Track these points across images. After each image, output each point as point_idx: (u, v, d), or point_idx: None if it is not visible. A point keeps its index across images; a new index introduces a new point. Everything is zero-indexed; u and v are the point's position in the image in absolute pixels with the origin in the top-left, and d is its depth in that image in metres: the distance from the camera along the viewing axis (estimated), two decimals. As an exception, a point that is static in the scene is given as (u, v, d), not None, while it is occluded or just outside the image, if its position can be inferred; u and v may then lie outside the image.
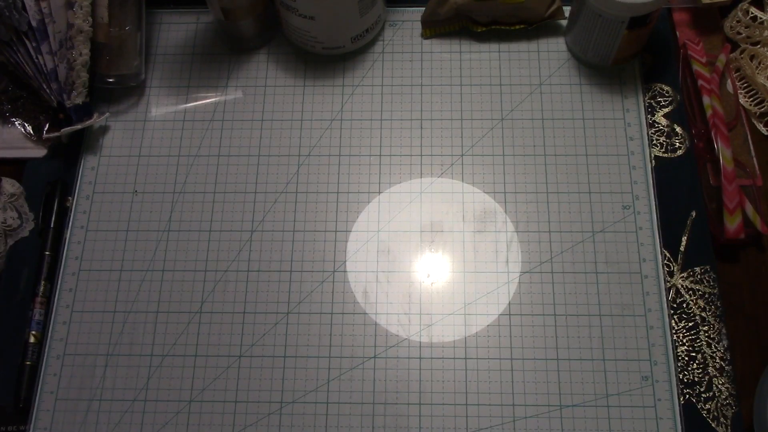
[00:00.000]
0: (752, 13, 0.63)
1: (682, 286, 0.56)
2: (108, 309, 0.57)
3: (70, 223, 0.60)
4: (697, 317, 0.55)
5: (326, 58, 0.65)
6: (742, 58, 0.63)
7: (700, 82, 0.61)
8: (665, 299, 0.56)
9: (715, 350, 0.54)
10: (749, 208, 0.57)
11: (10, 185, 0.60)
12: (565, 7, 0.64)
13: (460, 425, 0.53)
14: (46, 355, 0.56)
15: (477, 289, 0.56)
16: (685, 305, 0.56)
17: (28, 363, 0.55)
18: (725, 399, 0.53)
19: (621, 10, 0.56)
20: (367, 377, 0.54)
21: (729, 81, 0.63)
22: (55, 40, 0.59)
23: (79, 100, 0.60)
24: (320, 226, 0.59)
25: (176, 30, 0.67)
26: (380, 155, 0.61)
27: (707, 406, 0.53)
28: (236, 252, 0.58)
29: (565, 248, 0.57)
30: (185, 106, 0.64)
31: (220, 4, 0.60)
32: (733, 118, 0.61)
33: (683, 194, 0.59)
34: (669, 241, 0.57)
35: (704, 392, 0.53)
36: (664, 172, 0.60)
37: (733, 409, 0.53)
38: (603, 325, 0.55)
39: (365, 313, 0.56)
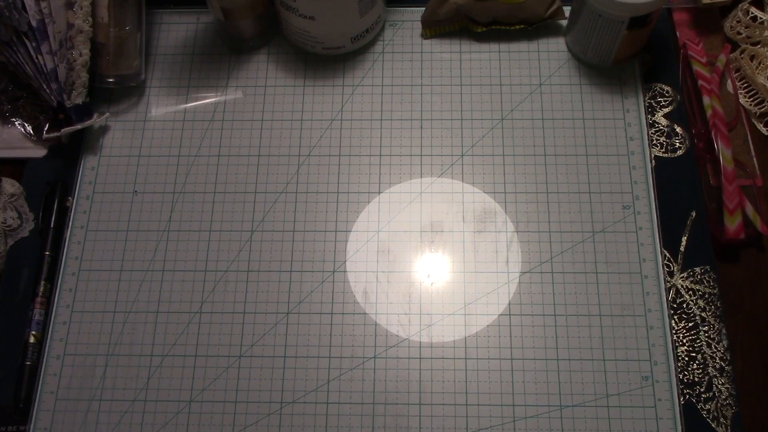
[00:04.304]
0: (752, 13, 0.63)
1: (682, 286, 0.56)
2: (108, 309, 0.57)
3: (70, 223, 0.60)
4: (697, 317, 0.55)
5: (326, 58, 0.65)
6: (742, 58, 0.63)
7: (700, 82, 0.61)
8: (665, 299, 0.56)
9: (715, 350, 0.54)
10: (749, 208, 0.57)
11: (10, 185, 0.60)
12: (565, 7, 0.64)
13: (460, 425, 0.53)
14: (46, 355, 0.56)
15: (477, 289, 0.56)
16: (685, 305, 0.56)
17: (28, 363, 0.55)
18: (725, 399, 0.53)
19: (621, 10, 0.56)
20: (367, 377, 0.54)
21: (729, 81, 0.63)
22: (55, 40, 0.59)
23: (79, 100, 0.60)
24: (320, 226, 0.59)
25: (176, 30, 0.67)
26: (380, 155, 0.61)
27: (707, 406, 0.53)
28: (236, 252, 0.58)
29: (565, 248, 0.57)
30: (185, 106, 0.64)
31: (220, 4, 0.60)
32: (733, 118, 0.61)
33: (683, 194, 0.59)
34: (669, 241, 0.57)
35: (704, 392, 0.53)
36: (664, 172, 0.60)
37: (733, 409, 0.53)
38: (603, 325, 0.55)
39: (365, 313, 0.56)
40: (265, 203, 0.60)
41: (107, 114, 0.63)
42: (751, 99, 0.63)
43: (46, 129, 0.62)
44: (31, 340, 0.56)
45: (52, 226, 0.59)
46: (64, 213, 0.60)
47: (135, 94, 0.65)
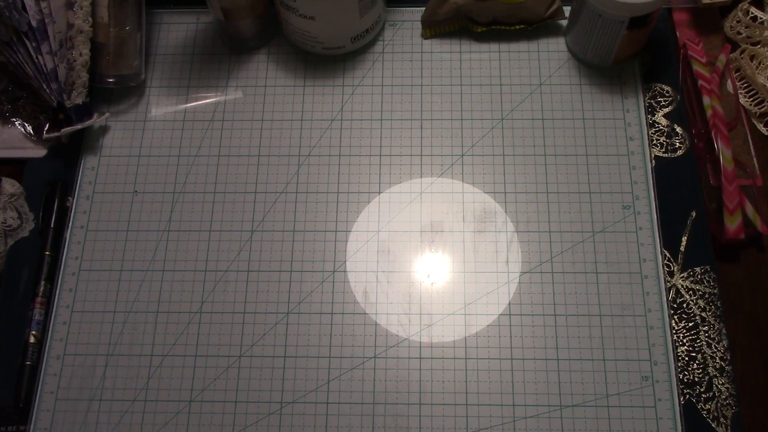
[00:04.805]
0: (752, 13, 0.63)
1: (682, 286, 0.56)
2: (108, 309, 0.57)
3: (70, 223, 0.60)
4: (697, 317, 0.55)
5: (326, 58, 0.65)
6: (742, 58, 0.63)
7: (700, 82, 0.61)
8: (665, 299, 0.56)
9: (715, 350, 0.54)
10: (749, 208, 0.57)
11: (10, 185, 0.60)
12: (565, 7, 0.64)
13: (460, 425, 0.53)
14: (46, 355, 0.56)
15: (477, 289, 0.56)
16: (685, 305, 0.56)
17: (28, 363, 0.55)
18: (725, 399, 0.53)
19: (621, 10, 0.56)
20: (367, 377, 0.54)
21: (729, 81, 0.63)
22: (55, 40, 0.59)
23: (79, 100, 0.60)
24: (320, 226, 0.59)
25: (176, 30, 0.67)
26: (380, 155, 0.61)
27: (707, 406, 0.53)
28: (236, 252, 0.58)
29: (565, 248, 0.57)
30: (185, 106, 0.64)
31: (220, 4, 0.60)
32: (733, 118, 0.61)
33: (683, 194, 0.59)
34: (669, 241, 0.57)
35: (704, 392, 0.53)
36: (664, 172, 0.60)
37: (733, 409, 0.53)
38: (603, 325, 0.55)
39: (365, 313, 0.56)
40: (265, 203, 0.60)
41: (107, 114, 0.63)
42: (751, 99, 0.63)
43: (46, 129, 0.62)
44: (31, 340, 0.56)
45: (52, 226, 0.59)
46: (64, 213, 0.60)
47: (135, 94, 0.65)
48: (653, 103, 0.62)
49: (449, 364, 0.54)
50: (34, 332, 0.56)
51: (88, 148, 0.63)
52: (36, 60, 0.60)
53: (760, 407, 0.53)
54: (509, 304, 0.56)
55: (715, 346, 0.54)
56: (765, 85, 0.61)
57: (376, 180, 0.60)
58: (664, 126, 0.61)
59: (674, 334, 0.55)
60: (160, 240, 0.59)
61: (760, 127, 0.62)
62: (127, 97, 0.64)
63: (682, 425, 0.52)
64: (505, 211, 0.59)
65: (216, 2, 0.60)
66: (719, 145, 0.58)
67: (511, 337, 0.55)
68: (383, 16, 0.65)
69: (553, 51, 0.64)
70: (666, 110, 0.62)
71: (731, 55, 0.64)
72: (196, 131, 0.63)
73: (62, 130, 0.60)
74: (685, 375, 0.53)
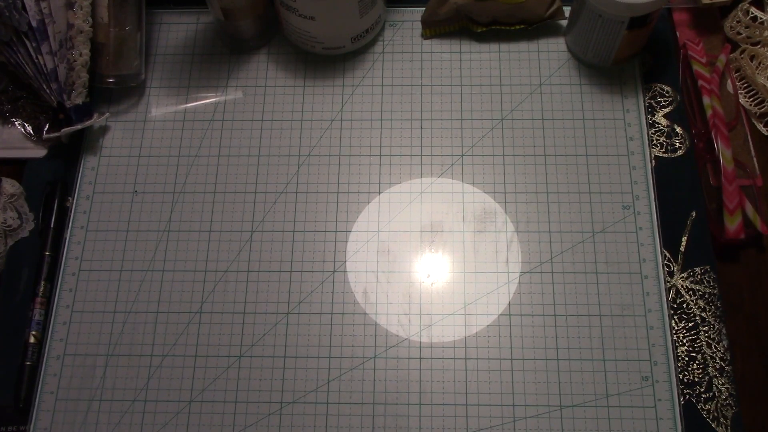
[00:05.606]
0: (752, 13, 0.63)
1: (682, 286, 0.56)
2: (108, 309, 0.57)
3: (70, 223, 0.60)
4: (697, 317, 0.55)
5: (326, 58, 0.65)
6: (742, 58, 0.63)
7: (700, 82, 0.61)
8: (665, 299, 0.56)
9: (715, 350, 0.54)
10: (749, 208, 0.57)
11: (10, 185, 0.60)
12: (565, 7, 0.64)
13: (460, 425, 0.53)
14: (46, 355, 0.56)
15: (477, 289, 0.56)
16: (685, 305, 0.56)
17: (28, 363, 0.55)
18: (725, 399, 0.53)
19: (621, 10, 0.56)
20: (367, 377, 0.54)
21: (729, 81, 0.63)
22: (55, 41, 0.59)
23: (79, 100, 0.60)
24: (320, 226, 0.59)
25: (176, 30, 0.67)
26: (380, 155, 0.61)
27: (707, 406, 0.53)
28: (236, 252, 0.58)
29: (565, 248, 0.57)
30: (185, 106, 0.64)
31: (220, 5, 0.60)
32: (733, 118, 0.61)
33: (683, 194, 0.59)
34: (669, 241, 0.57)
35: (704, 392, 0.53)
36: (664, 172, 0.60)
37: (733, 409, 0.53)
38: (603, 325, 0.55)
39: (365, 313, 0.56)
40: (265, 203, 0.60)
41: (107, 114, 0.63)
42: (751, 99, 0.63)
43: (46, 129, 0.62)
44: (31, 340, 0.56)
45: (52, 226, 0.59)
46: (64, 213, 0.60)
47: (135, 94, 0.65)
48: (653, 103, 0.62)
49: (449, 364, 0.54)
50: (34, 332, 0.56)
51: (88, 148, 0.63)
52: (36, 60, 0.60)
53: (760, 407, 0.53)
54: (509, 304, 0.56)
55: (715, 346, 0.54)
56: (765, 85, 0.61)
57: (376, 180, 0.60)
58: (664, 126, 0.61)
59: (674, 334, 0.55)
60: (160, 240, 0.59)
61: (760, 127, 0.62)
62: (127, 97, 0.64)
63: (682, 425, 0.52)
64: (505, 211, 0.59)
65: (216, 2, 0.60)
66: (719, 145, 0.58)
67: (511, 337, 0.55)
68: (383, 16, 0.65)
69: (553, 51, 0.64)
70: (666, 110, 0.62)
71: (731, 55, 0.64)
72: (196, 131, 0.63)
73: (62, 130, 0.60)
74: (685, 375, 0.54)
